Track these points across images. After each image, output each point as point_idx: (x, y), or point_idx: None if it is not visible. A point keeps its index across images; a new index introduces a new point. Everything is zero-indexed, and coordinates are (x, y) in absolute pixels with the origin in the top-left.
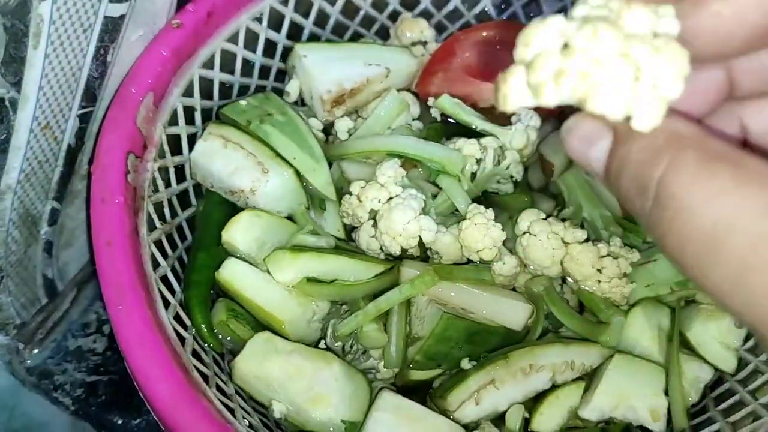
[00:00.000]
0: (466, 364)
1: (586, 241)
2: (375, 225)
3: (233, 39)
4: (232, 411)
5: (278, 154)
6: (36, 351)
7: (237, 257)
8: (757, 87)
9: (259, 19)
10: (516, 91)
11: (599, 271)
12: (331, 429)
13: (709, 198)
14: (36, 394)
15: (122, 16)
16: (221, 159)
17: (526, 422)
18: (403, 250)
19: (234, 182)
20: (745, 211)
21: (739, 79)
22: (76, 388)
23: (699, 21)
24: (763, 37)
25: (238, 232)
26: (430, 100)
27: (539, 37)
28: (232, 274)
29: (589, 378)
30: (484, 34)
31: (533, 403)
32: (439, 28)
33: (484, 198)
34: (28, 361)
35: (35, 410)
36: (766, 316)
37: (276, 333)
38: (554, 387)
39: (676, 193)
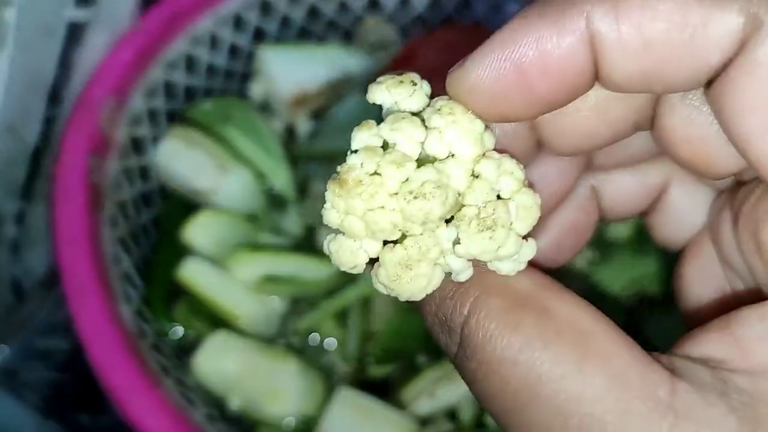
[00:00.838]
0: (422, 358)
1: None
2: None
3: (197, 42)
4: (190, 401)
5: (240, 155)
6: (3, 349)
7: (197, 256)
8: (612, 160)
9: (223, 23)
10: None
11: None
12: (287, 423)
13: (511, 355)
14: (2, 394)
15: (86, 21)
16: (184, 160)
17: (479, 418)
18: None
19: (196, 183)
20: (552, 372)
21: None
22: (42, 387)
23: (560, 119)
24: (628, 130)
25: (196, 231)
26: None
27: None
28: (191, 273)
29: None
30: (444, 37)
31: None
32: (403, 32)
33: None
34: None
35: (1, 411)
36: None
37: (234, 329)
38: None
39: (478, 345)
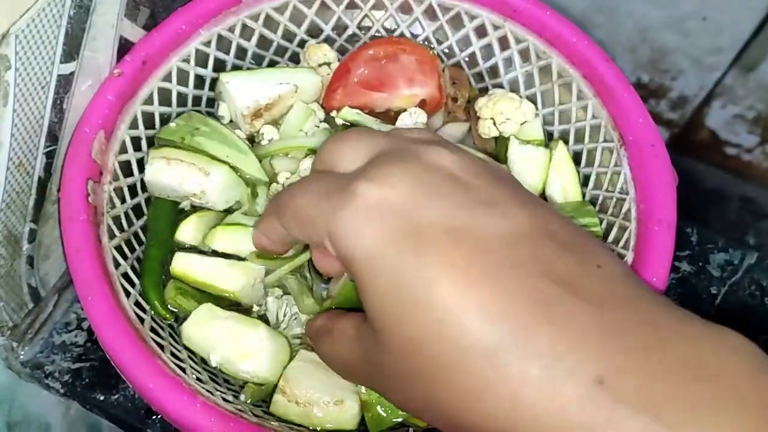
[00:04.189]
0: None
1: None
2: None
3: (167, 78)
4: (183, 369)
5: (213, 157)
6: (28, 348)
7: (184, 250)
8: None
9: (187, 60)
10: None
11: None
12: (257, 377)
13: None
14: (31, 387)
15: (72, 72)
16: (168, 175)
17: None
18: None
19: (185, 189)
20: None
21: None
22: (63, 374)
23: None
24: None
25: (188, 231)
26: (334, 113)
27: None
28: (184, 266)
29: None
30: (371, 51)
31: None
32: (342, 51)
33: None
34: (22, 357)
35: (31, 402)
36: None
37: (227, 303)
38: None
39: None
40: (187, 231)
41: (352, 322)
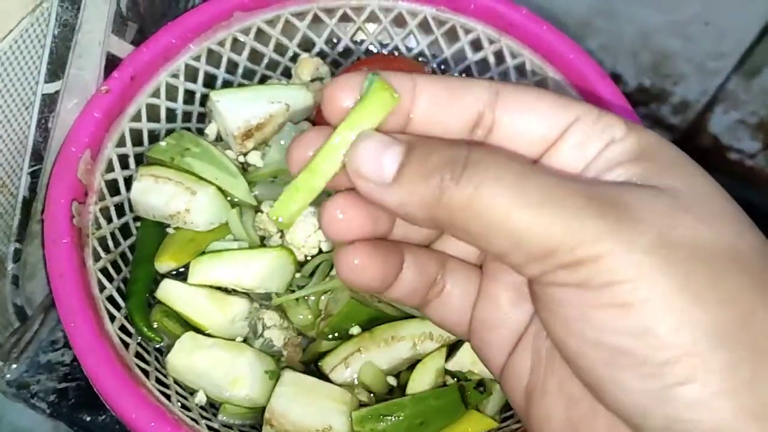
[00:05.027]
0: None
1: None
2: (282, 236)
3: (156, 94)
4: (168, 396)
5: (201, 178)
6: (14, 366)
7: (170, 277)
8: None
9: (176, 75)
10: None
11: None
12: (248, 401)
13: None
14: (17, 404)
15: (57, 91)
16: (156, 193)
17: (403, 389)
18: (306, 257)
19: (171, 208)
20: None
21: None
22: (49, 394)
23: None
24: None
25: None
26: None
27: None
28: (166, 292)
29: (451, 346)
30: (366, 68)
31: (408, 372)
32: (336, 64)
33: None
34: (8, 376)
35: (19, 418)
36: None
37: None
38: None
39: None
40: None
41: None
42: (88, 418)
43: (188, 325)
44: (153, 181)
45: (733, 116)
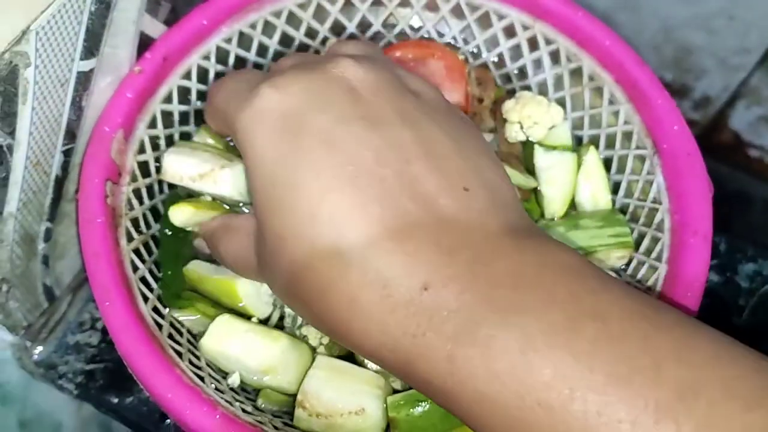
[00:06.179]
0: None
1: None
2: None
3: (187, 76)
4: (201, 378)
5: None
6: (41, 347)
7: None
8: None
9: (207, 57)
10: None
11: None
12: (283, 389)
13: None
14: (44, 386)
15: (92, 69)
16: (190, 154)
17: None
18: None
19: (205, 167)
20: None
21: None
22: (77, 375)
23: None
24: None
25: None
26: None
27: None
28: (195, 267)
29: None
30: (398, 54)
31: None
32: None
33: None
34: (36, 356)
35: (44, 401)
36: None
37: (236, 311)
38: None
39: None
40: (180, 215)
41: (249, 218)
42: (116, 400)
43: (219, 306)
44: (190, 148)
45: (756, 112)
